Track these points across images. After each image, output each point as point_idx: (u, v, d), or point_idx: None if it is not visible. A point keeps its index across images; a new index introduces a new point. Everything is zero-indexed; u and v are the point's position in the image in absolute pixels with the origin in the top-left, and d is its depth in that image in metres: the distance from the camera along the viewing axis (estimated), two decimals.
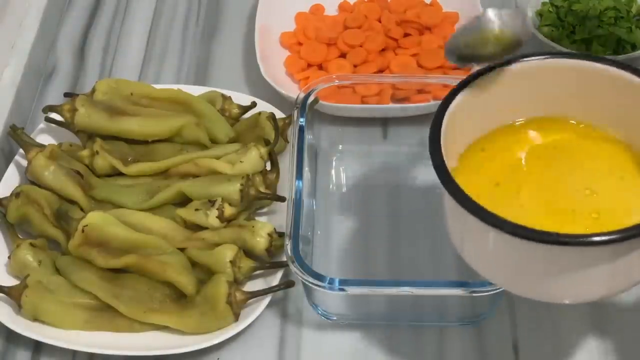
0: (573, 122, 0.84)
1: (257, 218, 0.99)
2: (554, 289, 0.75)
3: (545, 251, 0.71)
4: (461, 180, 0.75)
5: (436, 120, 0.79)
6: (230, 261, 0.93)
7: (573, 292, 0.76)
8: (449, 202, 0.77)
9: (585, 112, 0.84)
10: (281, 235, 0.94)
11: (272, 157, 1.01)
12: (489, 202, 0.74)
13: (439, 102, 1.07)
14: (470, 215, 0.73)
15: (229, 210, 0.96)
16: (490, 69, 0.82)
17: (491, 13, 0.80)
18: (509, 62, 0.82)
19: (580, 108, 0.84)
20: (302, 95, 1.02)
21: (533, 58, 0.83)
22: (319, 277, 0.87)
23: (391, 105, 1.10)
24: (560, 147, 0.83)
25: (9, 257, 0.96)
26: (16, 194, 0.98)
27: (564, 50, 0.91)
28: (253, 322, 0.91)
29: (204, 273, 0.94)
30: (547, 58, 0.83)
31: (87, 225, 0.94)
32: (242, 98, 1.09)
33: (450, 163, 0.78)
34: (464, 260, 0.80)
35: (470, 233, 0.78)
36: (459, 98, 0.81)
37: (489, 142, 0.83)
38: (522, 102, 0.84)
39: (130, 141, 1.04)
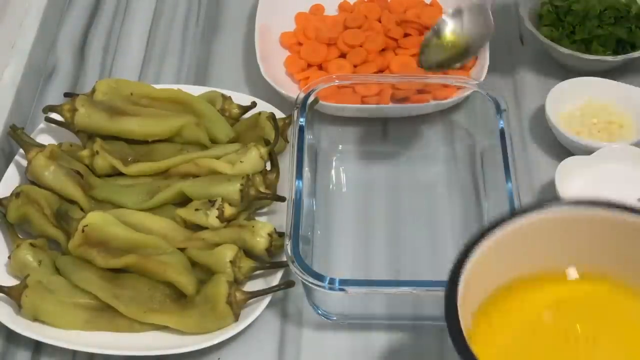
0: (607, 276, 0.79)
1: (257, 218, 0.99)
2: None
3: None
4: (479, 340, 0.70)
5: (452, 284, 0.72)
6: (230, 261, 0.93)
7: None
8: None
9: (619, 267, 0.78)
10: (281, 235, 0.94)
11: (272, 157, 1.01)
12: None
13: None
14: None
15: (229, 210, 0.96)
16: (503, 221, 0.76)
17: (447, 15, 0.77)
18: (525, 212, 0.76)
19: (613, 261, 0.78)
20: (302, 95, 1.02)
21: (556, 207, 0.77)
22: (319, 277, 0.87)
23: (391, 105, 1.10)
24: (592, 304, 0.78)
25: (9, 257, 0.95)
26: (16, 194, 0.98)
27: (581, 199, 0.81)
28: (253, 322, 0.91)
29: (204, 273, 0.94)
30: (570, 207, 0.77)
31: (87, 225, 0.94)
32: (242, 98, 1.09)
33: (465, 323, 0.71)
34: None
35: None
36: (477, 253, 0.74)
37: (506, 297, 0.77)
38: (542, 254, 0.78)
39: (130, 141, 1.04)
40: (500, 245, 0.75)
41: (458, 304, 0.70)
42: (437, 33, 0.76)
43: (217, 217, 0.95)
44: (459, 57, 0.76)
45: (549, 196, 1.03)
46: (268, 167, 1.01)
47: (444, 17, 0.77)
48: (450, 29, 0.76)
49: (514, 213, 0.77)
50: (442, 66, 0.77)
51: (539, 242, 0.78)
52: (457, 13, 0.77)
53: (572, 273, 0.80)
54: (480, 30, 0.76)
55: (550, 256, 0.79)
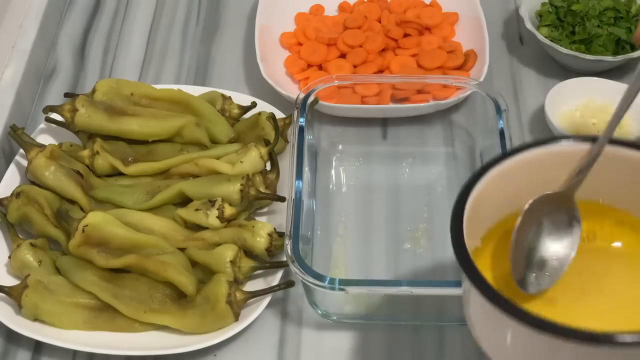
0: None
1: (257, 218, 0.99)
2: None
3: (572, 349, 0.66)
4: (483, 263, 0.72)
5: (461, 198, 0.74)
6: (231, 261, 0.93)
7: None
8: (469, 289, 0.72)
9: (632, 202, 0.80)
10: (281, 235, 0.94)
11: (272, 157, 1.01)
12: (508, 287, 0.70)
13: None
14: (490, 306, 0.68)
15: (229, 210, 0.96)
16: (522, 149, 0.78)
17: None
18: (544, 143, 0.79)
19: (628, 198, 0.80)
20: (302, 95, 1.02)
21: (577, 142, 0.79)
22: (319, 277, 0.87)
23: (391, 105, 1.10)
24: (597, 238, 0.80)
25: (9, 257, 0.96)
26: (16, 194, 0.98)
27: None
28: (253, 322, 0.91)
29: (204, 273, 0.94)
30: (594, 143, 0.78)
31: (87, 225, 0.94)
32: (242, 98, 1.09)
33: (473, 242, 0.74)
34: (481, 349, 0.76)
35: (489, 322, 0.73)
36: (489, 175, 0.76)
37: (513, 221, 0.79)
38: (551, 186, 0.79)
39: (131, 141, 1.04)
40: (509, 174, 0.78)
41: (465, 219, 0.72)
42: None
43: (217, 217, 0.95)
44: None
45: None
46: (268, 167, 1.01)
47: None
48: None
49: (523, 146, 0.79)
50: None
51: (547, 174, 0.79)
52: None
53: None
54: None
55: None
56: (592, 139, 0.78)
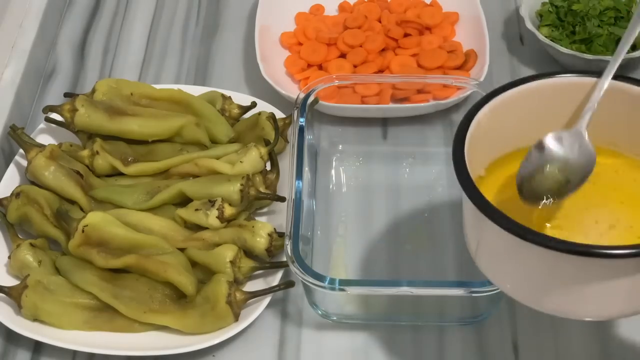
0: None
1: (257, 218, 0.99)
2: (573, 302, 0.73)
3: (572, 263, 0.68)
4: (485, 190, 0.72)
5: (465, 119, 0.76)
6: (230, 261, 0.93)
7: (593, 307, 0.73)
8: (468, 206, 0.74)
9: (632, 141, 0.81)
10: (281, 235, 0.94)
11: (272, 157, 1.01)
12: (512, 214, 0.70)
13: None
14: (490, 222, 0.70)
15: (229, 210, 0.96)
16: (532, 79, 0.79)
17: (551, 141, 0.78)
18: (551, 75, 0.80)
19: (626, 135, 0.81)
20: (302, 95, 1.02)
21: (581, 76, 0.80)
22: (319, 277, 0.87)
23: (391, 105, 1.10)
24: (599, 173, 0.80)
25: (9, 257, 0.96)
26: (16, 194, 0.98)
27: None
28: (253, 322, 0.91)
29: (204, 273, 0.94)
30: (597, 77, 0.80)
31: (87, 225, 0.94)
32: (242, 98, 1.09)
33: (477, 171, 0.75)
34: (478, 267, 0.78)
35: (489, 241, 0.75)
36: (493, 103, 0.78)
37: (519, 158, 0.80)
38: (562, 121, 0.81)
39: (130, 141, 1.04)
40: (513, 104, 0.79)
41: (467, 143, 0.74)
42: (541, 161, 0.78)
43: (217, 217, 0.95)
44: (565, 187, 0.78)
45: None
46: (268, 167, 1.01)
47: (548, 141, 0.77)
48: (560, 155, 0.77)
49: (528, 77, 0.80)
50: (544, 198, 0.79)
51: (552, 108, 0.80)
52: (558, 138, 0.78)
53: None
54: (580, 161, 0.78)
55: (563, 126, 0.81)
56: (597, 74, 0.79)
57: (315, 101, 1.03)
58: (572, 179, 0.77)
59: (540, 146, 0.78)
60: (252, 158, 1.00)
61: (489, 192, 0.76)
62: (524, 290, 0.76)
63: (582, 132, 0.78)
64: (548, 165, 0.78)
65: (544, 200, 0.77)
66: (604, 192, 0.79)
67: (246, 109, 1.07)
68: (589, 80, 0.80)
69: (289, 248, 0.89)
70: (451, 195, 1.04)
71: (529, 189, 0.77)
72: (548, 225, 0.77)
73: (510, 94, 0.79)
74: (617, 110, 0.80)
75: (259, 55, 1.13)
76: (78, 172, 1.00)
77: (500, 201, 0.74)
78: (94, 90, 1.07)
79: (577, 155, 0.78)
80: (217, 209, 0.95)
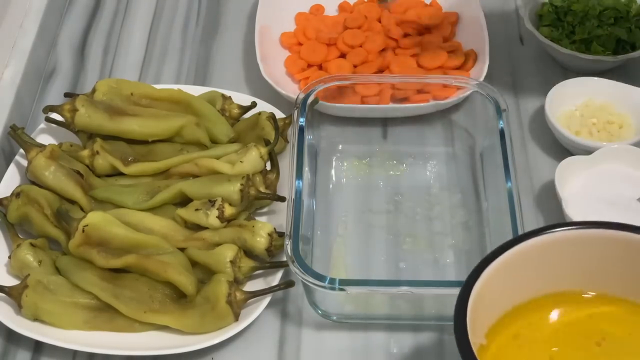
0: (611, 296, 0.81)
1: (257, 218, 0.99)
2: None
3: None
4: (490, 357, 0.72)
5: (462, 297, 0.74)
6: (231, 261, 0.93)
7: None
8: None
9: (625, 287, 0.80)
10: (281, 235, 0.94)
11: (272, 157, 1.01)
12: None
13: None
14: None
15: (229, 210, 0.96)
16: (520, 239, 0.78)
17: None
18: (537, 233, 0.79)
19: (619, 282, 0.80)
20: (302, 95, 1.02)
21: (568, 228, 0.79)
22: (319, 277, 0.87)
23: (391, 105, 1.10)
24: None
25: (9, 257, 0.96)
26: (16, 194, 0.98)
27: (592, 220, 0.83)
28: (253, 322, 0.91)
29: (204, 273, 0.94)
30: (578, 229, 0.79)
31: (87, 225, 0.94)
32: (242, 98, 1.09)
33: (478, 340, 0.74)
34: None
35: None
36: (489, 270, 0.76)
37: (518, 318, 0.79)
38: (554, 275, 0.80)
39: (131, 141, 1.04)
40: (509, 266, 0.77)
41: (468, 319, 0.72)
42: None
43: (217, 217, 0.95)
44: None
45: (548, 196, 1.03)
46: (268, 167, 1.01)
47: None
48: None
49: (522, 236, 0.78)
50: None
51: (549, 264, 0.79)
52: None
53: (587, 295, 0.82)
54: None
55: (562, 279, 0.80)
56: (585, 224, 0.78)
57: (315, 101, 1.03)
58: None
59: None
60: (252, 158, 1.00)
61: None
62: None
63: None
64: None
65: None
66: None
67: (246, 109, 1.07)
68: (582, 232, 0.79)
69: (289, 248, 0.89)
70: (451, 195, 1.04)
71: None
72: None
73: (503, 260, 0.77)
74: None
75: (259, 55, 1.13)
76: (78, 172, 1.00)
77: None
78: (94, 90, 1.07)
79: None
80: (217, 209, 0.95)
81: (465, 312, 0.72)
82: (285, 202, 0.94)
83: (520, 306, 0.80)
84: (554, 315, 0.81)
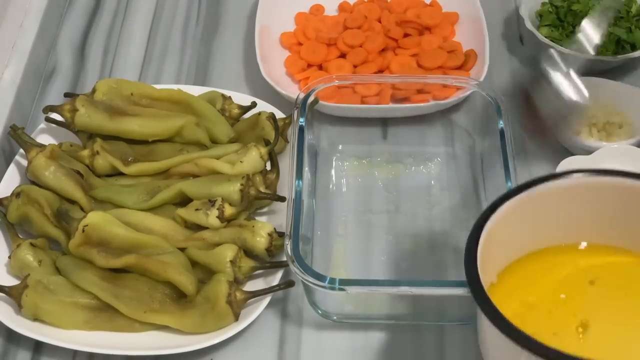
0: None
1: (257, 218, 0.99)
2: None
3: None
4: (498, 299, 0.72)
5: (475, 230, 0.75)
6: (231, 261, 0.93)
7: None
8: (483, 321, 0.72)
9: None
10: (281, 235, 0.94)
11: (272, 157, 1.01)
12: (526, 324, 0.70)
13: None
14: (505, 338, 0.69)
15: (229, 210, 0.96)
16: (543, 180, 0.79)
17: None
18: (561, 176, 0.80)
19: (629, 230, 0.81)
20: (302, 95, 1.02)
21: (593, 174, 0.80)
22: (319, 277, 0.87)
23: (391, 105, 1.10)
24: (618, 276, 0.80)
25: (9, 257, 0.96)
26: (16, 194, 0.98)
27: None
28: (253, 322, 0.91)
29: (204, 273, 0.94)
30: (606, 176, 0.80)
31: (87, 225, 0.94)
32: (242, 98, 1.09)
33: (489, 278, 0.75)
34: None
35: (500, 352, 0.74)
36: (505, 207, 0.77)
37: (534, 262, 0.80)
38: (576, 224, 0.81)
39: (131, 141, 1.04)
40: (522, 208, 0.78)
41: (479, 253, 0.73)
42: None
43: (217, 217, 0.95)
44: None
45: None
46: (268, 167, 1.02)
47: None
48: None
49: (533, 181, 0.79)
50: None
51: (557, 211, 0.80)
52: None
53: (584, 244, 0.83)
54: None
55: (568, 226, 0.81)
56: (604, 172, 0.79)
57: (315, 101, 1.03)
58: None
59: None
60: (252, 158, 1.00)
61: (502, 300, 0.74)
62: None
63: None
64: None
65: None
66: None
67: (246, 109, 1.07)
68: (599, 179, 0.80)
69: (289, 248, 0.89)
70: (451, 195, 1.04)
71: None
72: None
73: (518, 199, 0.78)
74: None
75: (259, 55, 1.13)
76: (78, 172, 1.00)
77: (514, 311, 0.73)
78: (94, 90, 1.07)
79: None
80: (217, 209, 0.95)
81: (476, 246, 0.74)
82: (285, 202, 0.94)
83: (533, 253, 0.81)
84: (566, 261, 0.82)
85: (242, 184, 0.97)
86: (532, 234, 0.80)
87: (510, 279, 0.80)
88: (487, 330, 0.73)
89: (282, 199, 0.97)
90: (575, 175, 0.80)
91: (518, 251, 0.81)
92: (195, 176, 1.01)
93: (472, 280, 0.72)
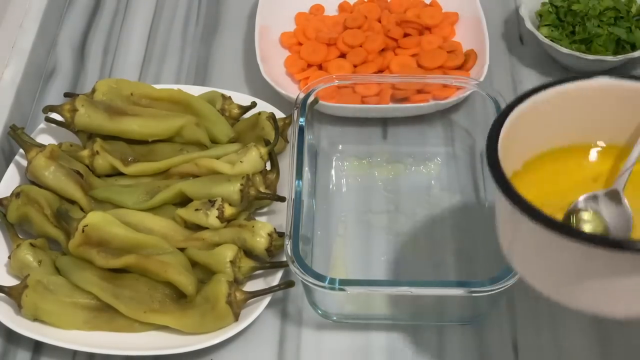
0: None
1: (257, 218, 0.99)
2: (607, 299, 0.71)
3: (605, 257, 0.67)
4: (520, 185, 0.71)
5: (502, 114, 0.75)
6: (230, 261, 0.93)
7: (624, 304, 0.72)
8: (501, 200, 0.72)
9: None
10: (281, 235, 0.94)
11: (272, 157, 1.01)
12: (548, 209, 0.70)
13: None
14: (522, 216, 0.69)
15: (229, 210, 0.96)
16: (573, 80, 0.79)
17: (585, 203, 0.77)
18: (594, 76, 0.79)
19: None
20: (302, 95, 1.02)
21: (623, 79, 0.79)
22: (319, 277, 0.87)
23: (391, 105, 1.10)
24: None
25: (9, 257, 0.96)
26: (16, 194, 0.98)
27: None
28: (253, 322, 0.91)
29: (204, 273, 0.94)
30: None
31: (87, 225, 0.94)
32: (242, 98, 1.09)
33: (514, 166, 0.75)
34: (510, 264, 0.77)
35: (522, 237, 0.73)
36: (539, 96, 0.77)
37: (559, 157, 0.80)
38: (603, 124, 0.80)
39: (130, 141, 1.04)
40: (554, 102, 0.78)
41: (502, 137, 0.73)
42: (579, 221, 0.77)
43: (217, 217, 0.95)
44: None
45: None
46: (268, 167, 1.01)
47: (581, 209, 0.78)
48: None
49: (566, 78, 0.79)
50: None
51: (593, 109, 0.79)
52: (593, 199, 0.78)
53: (601, 144, 0.82)
54: (618, 223, 0.78)
55: (587, 126, 0.81)
56: (636, 78, 0.79)
57: (315, 101, 1.03)
58: (612, 233, 0.76)
59: (574, 210, 0.77)
60: (252, 158, 1.00)
61: (525, 187, 0.74)
62: (558, 287, 0.74)
63: (620, 194, 0.77)
64: (586, 225, 0.77)
65: None
66: None
67: (246, 109, 1.07)
68: (632, 84, 0.79)
69: (289, 248, 0.89)
70: (451, 195, 1.04)
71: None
72: None
73: (552, 92, 0.78)
74: None
75: (259, 55, 1.13)
76: (78, 172, 1.00)
77: (536, 196, 0.72)
78: (94, 90, 1.07)
79: (615, 217, 0.77)
80: (217, 209, 0.95)
81: (500, 128, 0.74)
82: (285, 202, 0.94)
83: (562, 148, 0.80)
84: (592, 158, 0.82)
85: (242, 184, 0.97)
86: (567, 128, 0.80)
87: (536, 170, 0.79)
88: (500, 203, 0.73)
89: (282, 199, 0.97)
90: (601, 78, 0.79)
91: (549, 143, 0.80)
92: (195, 176, 1.01)
93: (493, 161, 0.72)
